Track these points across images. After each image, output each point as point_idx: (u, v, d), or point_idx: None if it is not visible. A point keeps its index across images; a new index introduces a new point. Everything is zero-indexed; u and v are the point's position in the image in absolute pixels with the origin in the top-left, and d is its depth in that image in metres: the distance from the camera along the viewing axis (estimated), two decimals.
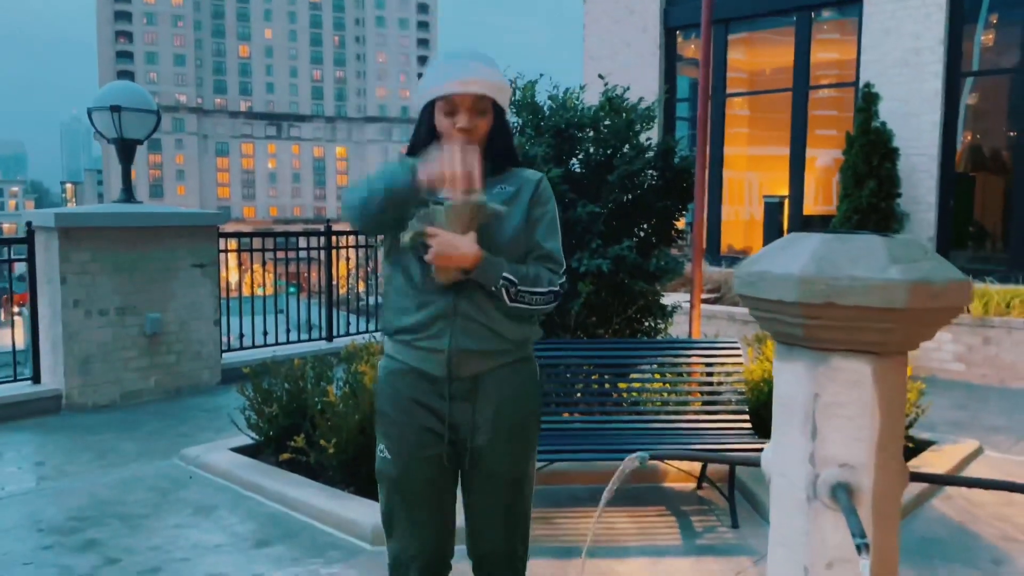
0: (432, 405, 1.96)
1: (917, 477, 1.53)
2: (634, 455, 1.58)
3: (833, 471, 1.37)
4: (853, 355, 1.36)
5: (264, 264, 7.49)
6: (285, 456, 4.16)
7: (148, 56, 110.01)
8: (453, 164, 1.78)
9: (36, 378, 5.94)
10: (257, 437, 4.48)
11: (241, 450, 4.51)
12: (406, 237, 1.89)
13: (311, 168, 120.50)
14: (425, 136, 1.96)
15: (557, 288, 1.97)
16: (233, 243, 7.07)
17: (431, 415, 1.97)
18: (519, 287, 1.89)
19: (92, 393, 5.87)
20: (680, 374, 4.16)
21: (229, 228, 7.56)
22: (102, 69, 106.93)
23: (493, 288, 1.88)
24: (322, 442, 3.90)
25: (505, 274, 1.88)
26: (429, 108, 1.95)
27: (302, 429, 4.17)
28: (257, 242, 7.33)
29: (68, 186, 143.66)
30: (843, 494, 1.34)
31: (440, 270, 1.88)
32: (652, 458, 1.59)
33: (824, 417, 1.38)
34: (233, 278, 7.78)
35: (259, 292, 8.04)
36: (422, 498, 2.00)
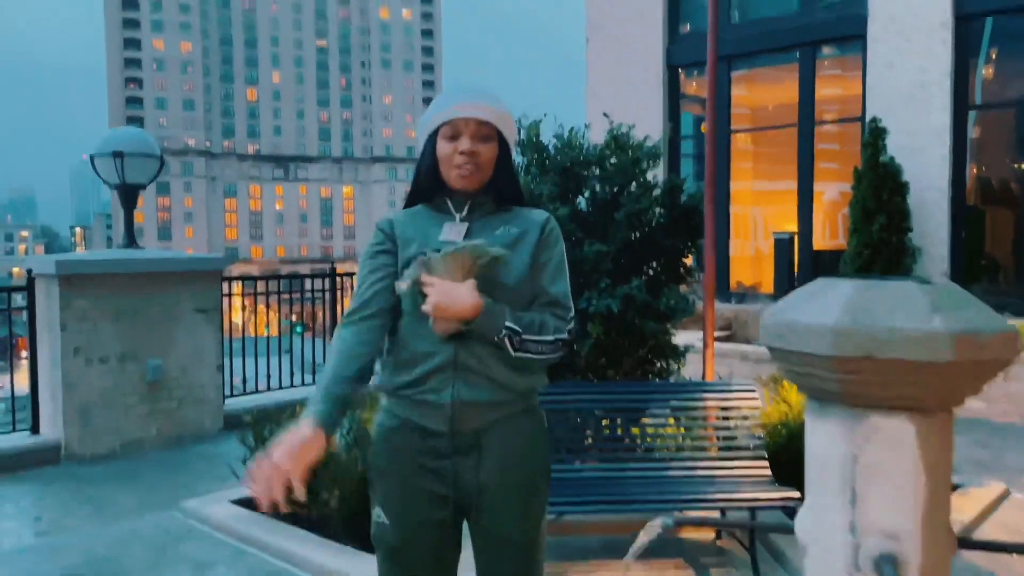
0: (434, 464, 1.83)
1: (965, 544, 1.41)
2: (657, 520, 1.46)
3: (876, 541, 1.25)
4: (894, 413, 1.25)
5: (268, 305, 7.41)
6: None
7: (158, 101, 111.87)
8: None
9: (35, 428, 5.83)
10: None
11: (241, 502, 4.37)
12: (403, 286, 1.79)
13: (318, 208, 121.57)
14: (428, 167, 1.89)
15: (565, 336, 1.84)
16: (237, 287, 7.00)
17: (434, 476, 1.83)
18: (523, 336, 1.77)
19: (92, 443, 5.75)
20: (695, 418, 4.02)
21: (236, 270, 7.49)
22: (112, 115, 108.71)
23: (495, 339, 1.76)
24: (323, 494, 3.77)
25: (508, 323, 1.76)
26: (432, 140, 1.89)
27: None
28: (261, 285, 7.27)
29: (77, 230, 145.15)
30: (889, 567, 1.22)
31: (439, 321, 1.76)
32: (677, 524, 1.47)
33: (864, 481, 1.26)
34: (238, 319, 7.69)
35: (264, 333, 7.93)
36: (425, 568, 1.86)
